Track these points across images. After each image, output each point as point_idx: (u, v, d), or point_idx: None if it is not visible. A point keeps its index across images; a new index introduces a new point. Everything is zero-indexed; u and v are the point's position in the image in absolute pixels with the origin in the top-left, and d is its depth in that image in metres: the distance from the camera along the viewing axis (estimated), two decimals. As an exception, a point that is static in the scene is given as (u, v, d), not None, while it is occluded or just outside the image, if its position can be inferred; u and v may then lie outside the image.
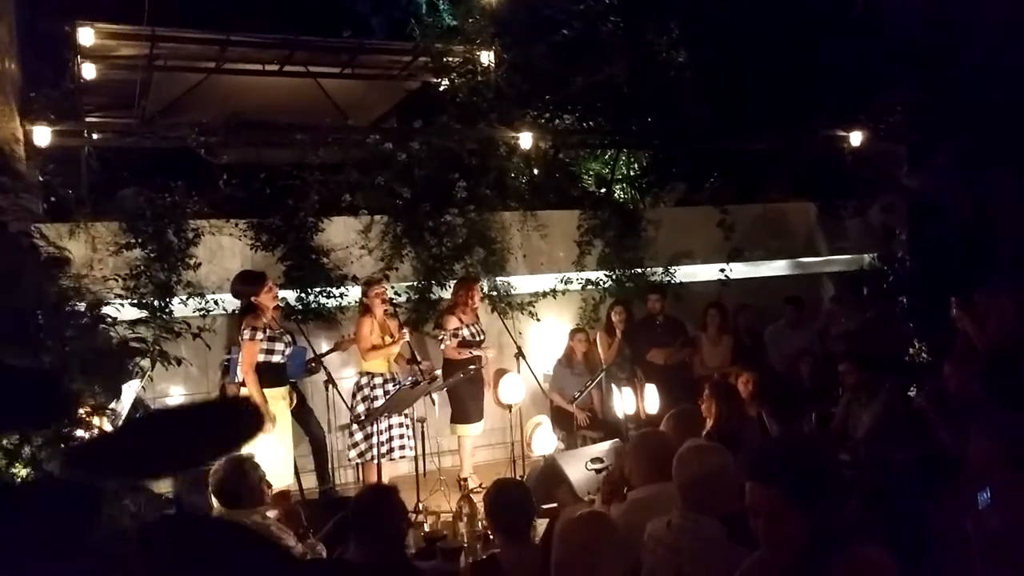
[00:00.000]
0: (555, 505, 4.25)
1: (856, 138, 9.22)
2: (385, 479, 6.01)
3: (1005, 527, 3.09)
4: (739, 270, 9.00)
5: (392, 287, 7.40)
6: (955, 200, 8.98)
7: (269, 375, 5.59)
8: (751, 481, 2.34)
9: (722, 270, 8.76)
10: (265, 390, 5.56)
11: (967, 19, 8.23)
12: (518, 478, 3.47)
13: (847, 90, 9.48)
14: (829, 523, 2.28)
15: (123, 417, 5.11)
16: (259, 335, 5.55)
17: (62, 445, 3.57)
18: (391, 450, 6.29)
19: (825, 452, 2.62)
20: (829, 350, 7.93)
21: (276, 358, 5.63)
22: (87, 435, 3.93)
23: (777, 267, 9.50)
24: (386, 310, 6.41)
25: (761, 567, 2.41)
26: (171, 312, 6.72)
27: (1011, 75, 7.95)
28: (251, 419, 0.96)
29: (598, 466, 5.05)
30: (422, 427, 6.55)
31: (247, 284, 5.76)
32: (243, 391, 5.68)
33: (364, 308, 6.43)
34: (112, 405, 4.94)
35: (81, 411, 4.14)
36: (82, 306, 5.72)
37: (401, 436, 6.35)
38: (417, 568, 3.35)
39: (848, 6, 9.08)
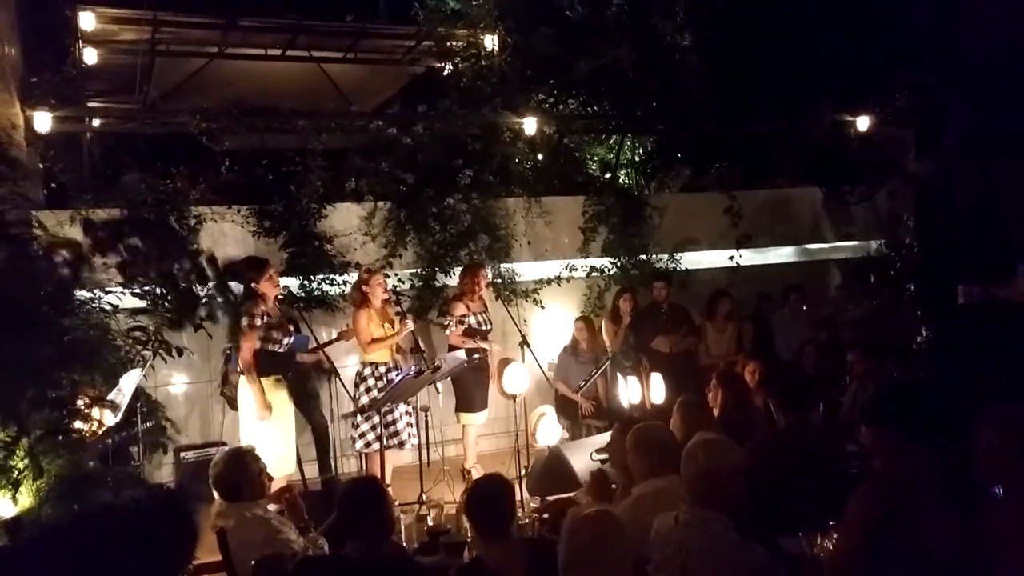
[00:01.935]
0: (560, 498, 4.21)
1: (863, 123, 9.12)
2: (388, 469, 5.97)
3: (1016, 523, 3.04)
4: (745, 256, 8.93)
5: (395, 274, 7.35)
6: (962, 186, 8.90)
7: (267, 363, 5.53)
8: (865, 425, 2.38)
9: (731, 257, 8.69)
10: (267, 379, 5.51)
11: (974, 2, 8.13)
12: (498, 474, 3.39)
13: (853, 74, 9.38)
14: (956, 457, 2.33)
15: (123, 408, 5.08)
16: (256, 322, 5.48)
17: (59, 437, 3.52)
18: (401, 442, 6.20)
19: (941, 393, 2.65)
20: (835, 338, 7.85)
21: (273, 346, 5.56)
22: (86, 427, 3.89)
23: (783, 254, 9.43)
24: (387, 299, 6.32)
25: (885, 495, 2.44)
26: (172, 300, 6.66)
27: (1018, 58, 7.85)
28: (184, 534, 0.89)
29: (603, 456, 5.00)
30: (426, 416, 6.51)
31: (249, 269, 5.69)
32: (243, 379, 5.63)
33: (359, 299, 6.26)
34: (111, 396, 4.91)
35: (80, 402, 4.10)
36: (82, 295, 5.68)
37: (410, 424, 6.29)
38: (416, 563, 3.31)
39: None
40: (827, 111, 9.32)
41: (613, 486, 3.94)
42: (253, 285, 5.59)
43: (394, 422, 6.14)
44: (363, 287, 6.23)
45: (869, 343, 6.75)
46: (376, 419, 6.02)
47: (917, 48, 8.69)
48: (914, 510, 2.41)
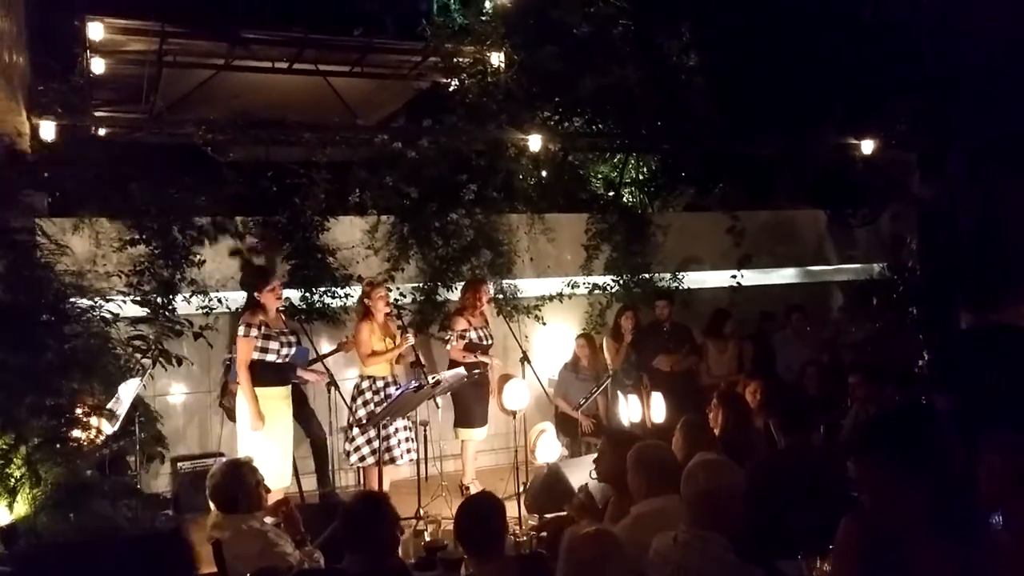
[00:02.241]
0: (557, 515, 4.18)
1: (867, 146, 9.13)
2: (386, 483, 5.94)
3: (1017, 549, 3.01)
4: (747, 277, 8.93)
5: (398, 288, 7.35)
6: (965, 209, 8.90)
7: (264, 374, 5.49)
8: (855, 456, 2.35)
9: (733, 276, 8.69)
10: (265, 389, 5.48)
11: (975, 23, 8.14)
12: (488, 492, 3.36)
13: (857, 95, 9.40)
14: (945, 484, 2.29)
15: (121, 417, 5.06)
16: (252, 332, 5.45)
17: (57, 445, 3.51)
18: (393, 458, 6.18)
19: (931, 420, 2.60)
20: (837, 360, 7.83)
21: (270, 357, 5.51)
22: (84, 435, 3.88)
23: (786, 275, 9.42)
24: (388, 313, 6.33)
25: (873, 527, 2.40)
26: (174, 310, 6.67)
27: (1020, 79, 7.86)
28: (179, 559, 0.89)
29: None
30: (424, 431, 6.48)
31: (252, 276, 5.69)
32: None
33: (363, 311, 6.33)
34: (110, 405, 4.89)
35: (79, 411, 4.09)
36: (83, 303, 5.68)
37: (408, 439, 6.27)
38: (415, 578, 3.29)
39: (858, 10, 8.99)
40: (831, 133, 9.33)
41: (601, 506, 3.92)
42: (255, 294, 5.59)
43: (387, 437, 6.12)
44: (365, 300, 6.26)
45: (871, 366, 6.73)
46: (372, 433, 6.00)
47: (922, 71, 8.71)
48: (907, 541, 2.37)
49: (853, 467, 2.41)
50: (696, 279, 8.79)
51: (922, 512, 2.31)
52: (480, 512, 3.09)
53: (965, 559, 2.40)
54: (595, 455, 5.91)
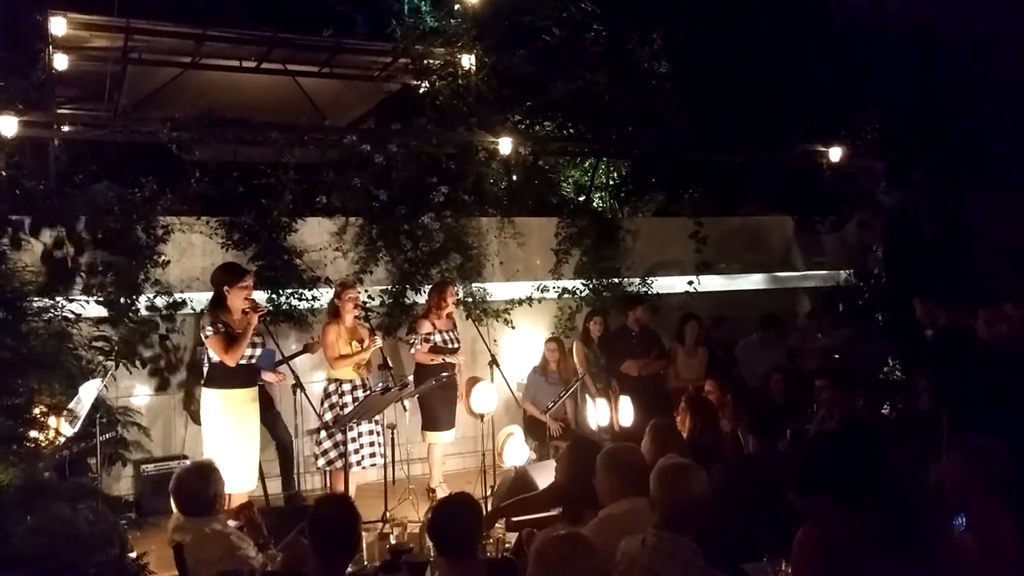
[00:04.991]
0: (524, 518, 4.16)
1: (835, 154, 9.24)
2: (352, 486, 5.88)
3: (982, 551, 3.04)
4: (715, 283, 8.98)
5: (366, 291, 7.28)
6: (930, 217, 9.04)
7: (227, 375, 5.36)
8: (793, 492, 2.34)
9: (690, 282, 8.72)
10: (229, 391, 5.37)
11: (943, 36, 8.29)
12: (466, 493, 3.33)
13: (826, 105, 9.52)
14: (887, 505, 2.29)
15: (82, 418, 4.95)
16: (220, 328, 5.32)
17: (13, 446, 3.42)
18: (361, 459, 6.15)
19: (863, 446, 2.58)
20: (802, 366, 7.89)
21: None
22: (42, 436, 3.78)
23: (754, 281, 9.50)
24: (357, 316, 6.28)
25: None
26: (137, 311, 6.55)
27: (985, 91, 8.02)
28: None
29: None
30: (392, 434, 6.43)
31: (224, 272, 5.55)
32: (204, 391, 5.48)
33: (333, 311, 6.28)
34: (71, 405, 4.79)
35: (37, 411, 3.99)
36: (44, 302, 5.56)
37: (371, 444, 6.23)
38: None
39: (828, 21, 9.12)
40: (799, 141, 9.43)
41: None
42: (224, 289, 5.45)
43: (358, 441, 6.08)
44: (336, 300, 6.21)
45: (837, 371, 6.79)
46: (339, 436, 5.95)
47: (890, 81, 8.85)
48: (857, 557, 2.38)
49: (794, 502, 2.40)
50: (665, 284, 8.83)
51: (864, 534, 2.32)
52: (458, 513, 3.06)
53: (924, 570, 2.42)
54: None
